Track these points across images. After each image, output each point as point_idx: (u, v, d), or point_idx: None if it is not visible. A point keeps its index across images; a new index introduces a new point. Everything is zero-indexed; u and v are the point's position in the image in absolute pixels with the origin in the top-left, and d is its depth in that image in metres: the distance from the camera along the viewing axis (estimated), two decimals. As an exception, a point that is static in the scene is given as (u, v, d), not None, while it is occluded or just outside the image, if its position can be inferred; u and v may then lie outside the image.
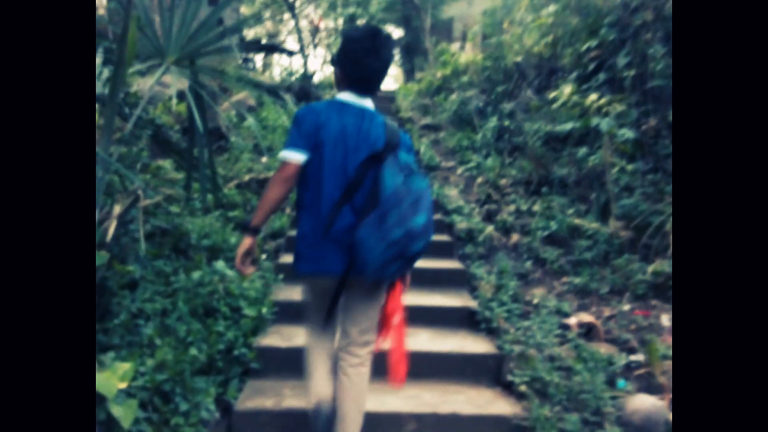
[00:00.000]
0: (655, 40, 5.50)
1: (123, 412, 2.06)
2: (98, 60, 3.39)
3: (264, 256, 4.25)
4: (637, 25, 5.89)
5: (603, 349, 3.36)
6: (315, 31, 15.10)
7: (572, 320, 3.64)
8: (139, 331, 2.84)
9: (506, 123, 7.17)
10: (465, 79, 9.01)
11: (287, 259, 4.24)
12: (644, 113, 5.47)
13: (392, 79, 18.07)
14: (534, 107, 7.00)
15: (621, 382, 3.04)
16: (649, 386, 3.05)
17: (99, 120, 4.27)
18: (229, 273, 3.51)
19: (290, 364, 3.08)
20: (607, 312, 3.91)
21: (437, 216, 5.22)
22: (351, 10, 15.28)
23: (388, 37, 2.14)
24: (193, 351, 2.77)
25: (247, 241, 2.15)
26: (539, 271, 4.52)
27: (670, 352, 3.16)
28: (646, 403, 2.78)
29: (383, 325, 2.24)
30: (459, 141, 7.55)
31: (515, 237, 4.98)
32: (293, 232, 4.64)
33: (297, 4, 13.82)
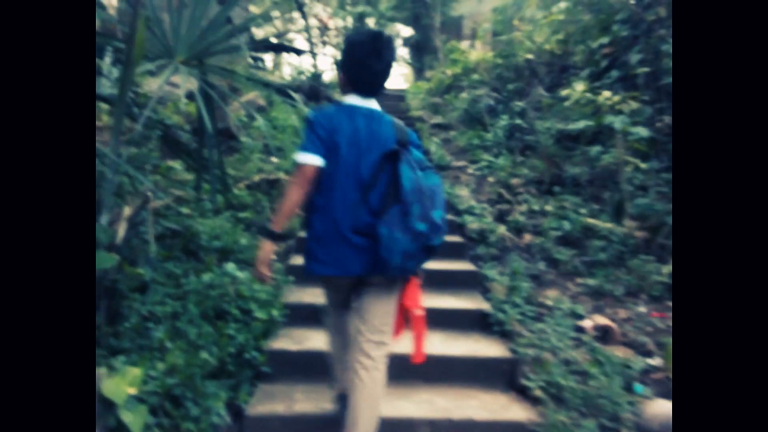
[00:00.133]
0: (668, 36, 5.40)
1: (133, 418, 2.04)
2: (107, 60, 3.37)
3: (275, 258, 4.22)
4: (650, 21, 5.80)
5: (619, 352, 3.29)
6: (324, 29, 15.06)
7: (587, 323, 3.58)
8: (150, 335, 2.82)
9: (517, 121, 7.08)
10: (475, 77, 8.93)
11: (298, 260, 4.21)
12: (658, 111, 5.38)
13: (402, 78, 18.02)
14: (546, 105, 6.92)
15: (638, 387, 2.98)
16: (668, 391, 2.99)
17: (108, 120, 4.27)
18: (240, 275, 3.48)
19: (301, 368, 3.06)
20: (622, 314, 3.84)
21: (448, 216, 5.16)
22: (360, 8, 15.23)
23: (390, 39, 2.19)
24: (204, 355, 2.75)
25: (269, 247, 2.17)
26: (553, 272, 4.45)
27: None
28: (665, 409, 2.72)
29: (405, 318, 2.30)
30: (470, 140, 7.48)
31: (528, 237, 4.91)
32: (303, 234, 4.61)
33: (306, 2, 13.80)
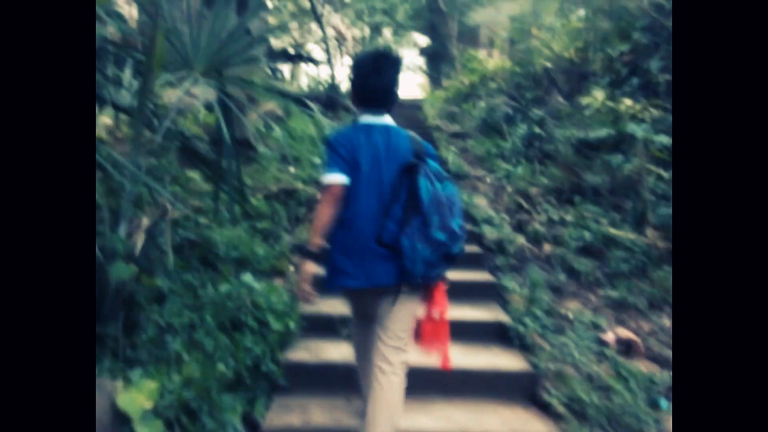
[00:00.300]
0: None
1: (149, 433, 2.03)
2: (127, 72, 3.40)
3: (292, 269, 4.21)
4: (670, 27, 5.71)
5: (643, 366, 3.21)
6: (342, 40, 15.16)
7: (610, 336, 3.49)
8: (167, 346, 2.81)
9: (536, 130, 7.01)
10: (493, 85, 8.89)
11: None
12: (681, 119, 5.27)
13: (419, 87, 18.03)
14: (565, 113, 6.85)
15: (664, 403, 2.89)
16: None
17: (128, 131, 4.31)
18: (257, 286, 3.47)
19: (318, 381, 3.02)
20: (646, 327, 3.74)
21: (467, 226, 5.11)
22: (377, 18, 15.31)
23: (390, 56, 2.29)
24: (221, 367, 2.73)
25: (308, 267, 2.21)
26: (573, 283, 4.37)
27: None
28: (692, 427, 2.63)
29: (429, 323, 2.37)
30: (487, 149, 7.43)
31: (547, 247, 4.83)
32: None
33: (324, 13, 13.90)
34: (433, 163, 2.22)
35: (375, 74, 2.23)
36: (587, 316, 3.74)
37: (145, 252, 3.15)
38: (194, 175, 4.70)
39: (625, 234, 4.66)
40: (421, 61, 16.33)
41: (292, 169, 6.03)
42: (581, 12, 7.86)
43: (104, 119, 4.19)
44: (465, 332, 3.53)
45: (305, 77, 13.96)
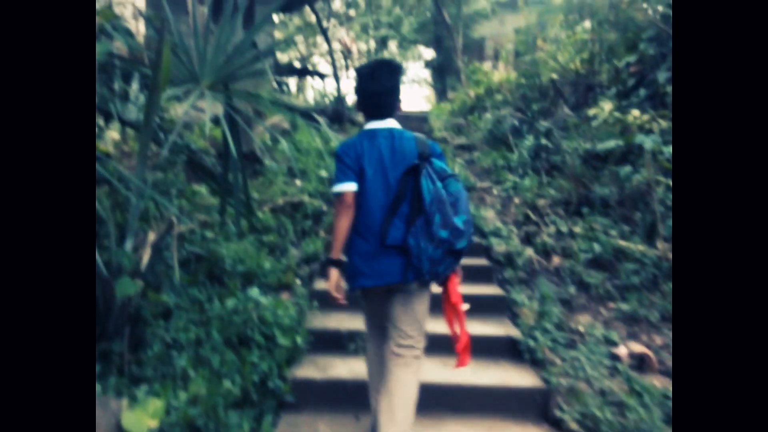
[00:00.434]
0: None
1: (154, 452, 1.98)
2: (134, 86, 3.40)
3: (298, 282, 4.17)
4: (679, 38, 5.68)
5: (657, 381, 3.14)
6: (348, 53, 15.23)
7: (622, 350, 3.43)
8: (173, 363, 2.77)
9: (543, 141, 6.98)
10: (499, 97, 8.88)
11: (322, 285, 4.15)
12: (690, 130, 5.22)
13: (424, 100, 18.07)
14: (572, 125, 6.81)
15: (680, 420, 2.82)
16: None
17: (134, 146, 4.31)
18: (263, 300, 3.43)
19: (326, 398, 2.98)
20: (659, 341, 3.67)
21: (475, 239, 5.07)
22: (383, 32, 15.39)
23: (387, 63, 2.44)
24: (227, 383, 2.69)
25: (334, 273, 2.34)
26: (583, 296, 4.31)
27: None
28: (710, 445, 2.56)
29: (450, 314, 2.46)
30: (494, 160, 7.40)
31: (556, 260, 4.78)
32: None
33: (330, 27, 13.98)
34: (438, 162, 2.30)
35: (372, 80, 2.37)
36: (599, 329, 3.68)
37: (151, 267, 3.12)
38: (201, 188, 4.69)
39: (636, 246, 4.60)
40: (426, 74, 16.38)
41: (298, 182, 6.01)
42: (587, 24, 7.85)
43: (111, 134, 4.20)
44: (474, 348, 3.42)
45: (311, 90, 14.02)
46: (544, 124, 7.27)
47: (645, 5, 6.57)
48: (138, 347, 2.84)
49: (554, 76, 8.01)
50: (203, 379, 2.66)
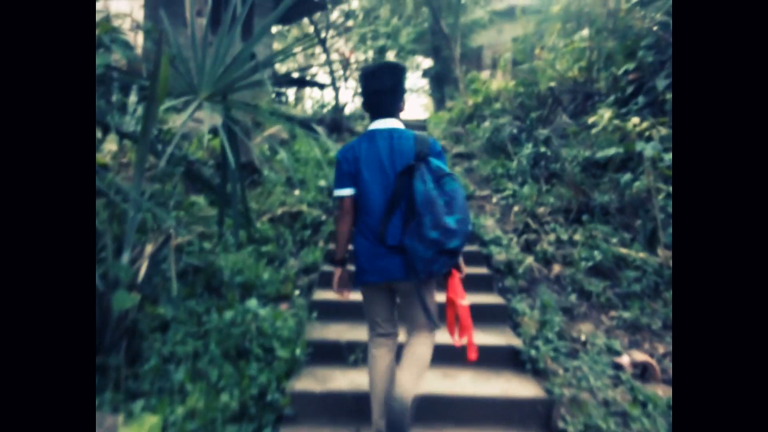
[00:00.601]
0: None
1: (150, 468, 1.95)
2: (132, 98, 3.39)
3: (297, 293, 4.14)
4: (677, 45, 5.69)
5: (660, 391, 3.10)
6: (346, 63, 15.28)
7: (624, 359, 3.39)
8: (170, 376, 2.73)
9: (542, 149, 6.97)
10: (497, 106, 8.89)
11: (321, 295, 4.12)
12: (689, 136, 5.21)
13: (423, 109, 18.11)
14: (571, 132, 6.81)
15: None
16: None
17: (132, 157, 4.29)
18: (262, 311, 3.40)
19: (325, 410, 2.94)
20: (661, 349, 3.64)
21: (474, 247, 5.05)
22: (381, 42, 15.45)
23: (389, 66, 2.47)
24: (225, 397, 2.65)
25: (338, 272, 2.54)
26: (585, 304, 4.28)
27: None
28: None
29: (451, 309, 2.50)
30: (493, 169, 7.39)
31: (557, 268, 4.75)
32: (327, 267, 4.53)
33: (328, 37, 14.03)
34: (435, 161, 2.32)
35: (373, 79, 2.42)
36: (601, 338, 3.64)
37: (148, 279, 3.09)
38: (199, 199, 4.66)
39: (636, 253, 4.58)
40: (424, 83, 16.41)
41: (297, 192, 6.00)
42: (585, 32, 7.87)
43: (109, 145, 4.19)
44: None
45: (310, 100, 14.05)
46: (542, 132, 7.27)
47: (643, 13, 6.59)
48: (135, 361, 2.81)
49: (552, 84, 8.03)
50: (201, 393, 2.63)
